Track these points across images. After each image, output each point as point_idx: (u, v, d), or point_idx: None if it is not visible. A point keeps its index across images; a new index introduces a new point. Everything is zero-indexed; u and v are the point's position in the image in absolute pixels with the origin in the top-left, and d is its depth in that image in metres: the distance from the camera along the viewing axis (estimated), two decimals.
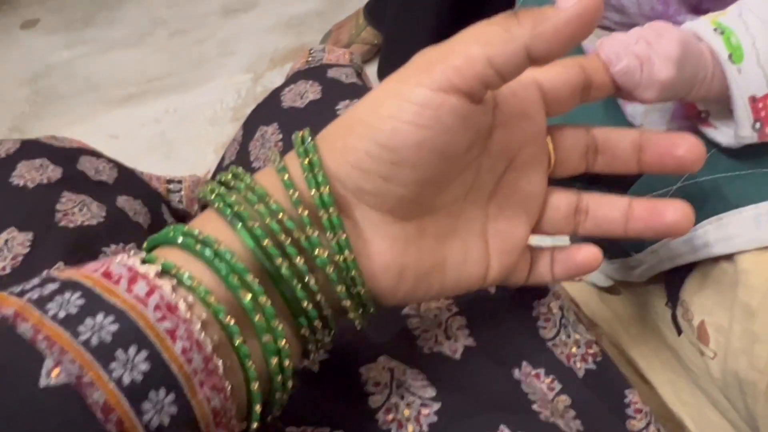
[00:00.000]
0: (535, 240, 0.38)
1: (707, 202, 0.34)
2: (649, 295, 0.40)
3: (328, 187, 0.24)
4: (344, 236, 0.25)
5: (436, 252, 0.27)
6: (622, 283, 0.42)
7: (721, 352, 0.34)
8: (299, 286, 0.24)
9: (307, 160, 0.25)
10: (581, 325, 0.35)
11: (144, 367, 0.20)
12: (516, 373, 0.32)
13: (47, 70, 1.31)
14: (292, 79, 0.48)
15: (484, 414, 0.29)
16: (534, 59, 0.24)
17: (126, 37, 1.35)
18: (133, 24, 1.38)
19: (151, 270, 0.22)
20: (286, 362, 0.23)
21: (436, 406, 0.29)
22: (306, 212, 0.24)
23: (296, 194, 0.24)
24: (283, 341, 0.23)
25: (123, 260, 0.22)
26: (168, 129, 1.16)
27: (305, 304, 0.24)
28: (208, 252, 0.23)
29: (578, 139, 0.30)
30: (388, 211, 0.26)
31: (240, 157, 0.46)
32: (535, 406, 0.30)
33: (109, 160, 0.49)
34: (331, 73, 0.48)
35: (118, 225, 0.39)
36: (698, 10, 0.36)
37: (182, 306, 0.21)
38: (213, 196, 0.25)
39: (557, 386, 0.32)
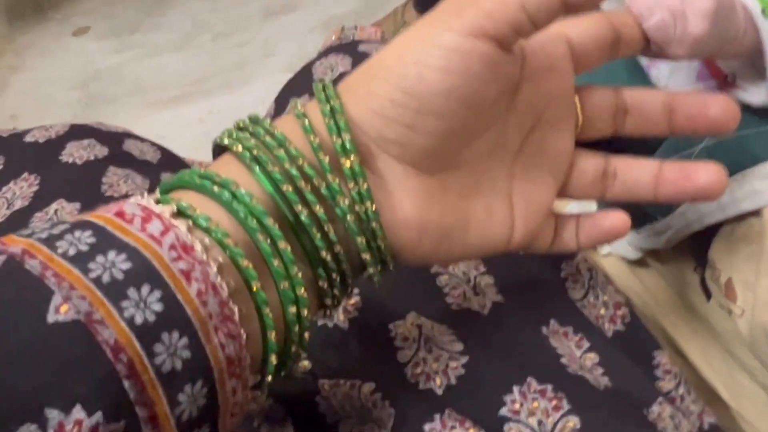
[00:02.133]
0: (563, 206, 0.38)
1: (733, 159, 0.34)
2: (678, 263, 0.39)
3: (349, 133, 0.24)
4: (366, 186, 0.24)
5: (459, 209, 0.26)
6: (650, 254, 0.42)
7: (748, 308, 0.34)
8: (319, 234, 0.23)
9: (328, 106, 0.24)
10: (611, 286, 0.35)
11: (157, 307, 0.19)
12: (544, 329, 0.32)
13: (97, 75, 1.36)
14: (324, 53, 0.49)
15: (512, 366, 0.30)
16: (569, 5, 0.23)
17: (171, 42, 1.39)
18: (178, 29, 1.42)
19: (167, 210, 0.21)
20: (304, 312, 0.23)
21: (464, 359, 0.30)
22: (327, 158, 0.23)
23: (317, 140, 0.23)
24: (302, 289, 0.22)
25: (137, 200, 0.22)
26: (212, 129, 1.19)
27: (324, 253, 0.23)
28: (226, 194, 0.22)
29: (607, 100, 0.29)
30: (410, 163, 0.25)
31: None
32: (563, 360, 0.31)
33: (153, 144, 0.51)
34: (362, 47, 0.49)
35: None
36: None
37: (198, 247, 0.20)
38: (230, 140, 0.24)
39: (585, 344, 0.32)
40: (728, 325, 0.37)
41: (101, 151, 0.43)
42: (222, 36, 1.38)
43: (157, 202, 0.22)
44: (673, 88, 0.38)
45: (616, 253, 0.46)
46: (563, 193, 0.30)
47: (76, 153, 0.42)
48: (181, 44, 1.38)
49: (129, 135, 0.50)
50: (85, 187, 0.39)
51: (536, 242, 0.29)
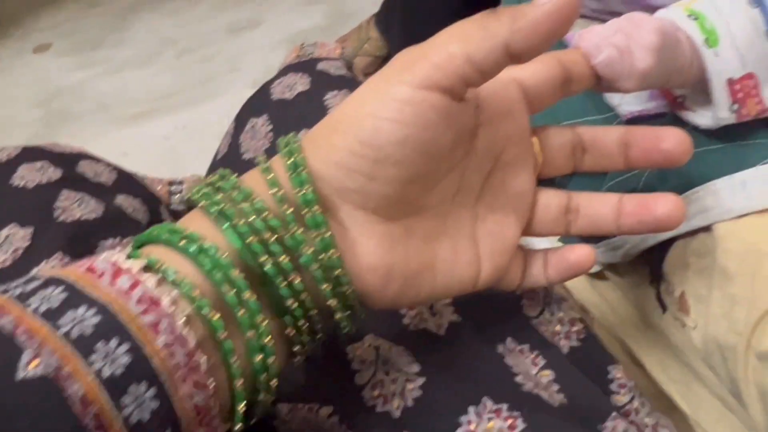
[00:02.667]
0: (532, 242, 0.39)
1: (684, 176, 0.34)
2: (634, 276, 0.40)
3: (311, 185, 0.25)
4: (328, 234, 0.24)
5: (425, 253, 0.27)
6: (609, 267, 0.42)
7: (701, 321, 0.34)
8: (283, 284, 0.24)
9: (291, 159, 0.25)
10: (565, 302, 0.35)
11: (125, 359, 0.19)
12: (500, 348, 0.32)
13: (59, 92, 1.34)
14: (283, 72, 0.49)
15: (468, 387, 0.30)
16: (514, 56, 0.24)
17: (135, 58, 1.38)
18: (142, 44, 1.41)
19: (136, 265, 0.22)
20: (271, 360, 0.23)
21: (421, 380, 0.30)
22: (290, 210, 0.24)
23: (281, 192, 0.24)
24: (268, 338, 0.23)
25: (108, 256, 0.22)
26: (177, 145, 1.18)
27: (290, 302, 0.24)
28: (193, 248, 0.23)
29: (564, 138, 0.31)
30: (373, 211, 0.26)
31: (231, 150, 0.47)
32: (518, 378, 0.31)
33: (109, 164, 0.50)
34: (321, 66, 0.50)
35: (116, 220, 0.40)
36: None
37: (166, 300, 0.21)
38: (199, 195, 0.25)
39: (541, 361, 0.32)
40: (683, 337, 0.38)
41: (54, 173, 0.42)
42: (187, 51, 1.37)
43: (128, 257, 0.22)
44: (627, 107, 0.39)
45: None
46: (529, 230, 0.31)
47: (28, 176, 0.41)
48: (145, 60, 1.37)
49: (84, 156, 0.49)
50: (38, 212, 0.38)
51: (505, 280, 0.30)
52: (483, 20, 0.24)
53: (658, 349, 0.41)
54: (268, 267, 0.23)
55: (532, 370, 0.32)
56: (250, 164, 0.44)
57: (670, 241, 0.37)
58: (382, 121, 0.24)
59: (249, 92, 1.37)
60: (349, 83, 0.47)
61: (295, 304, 0.24)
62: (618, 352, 0.44)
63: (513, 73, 0.29)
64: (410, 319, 0.33)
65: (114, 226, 0.40)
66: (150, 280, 0.21)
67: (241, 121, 0.51)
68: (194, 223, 0.24)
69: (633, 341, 0.42)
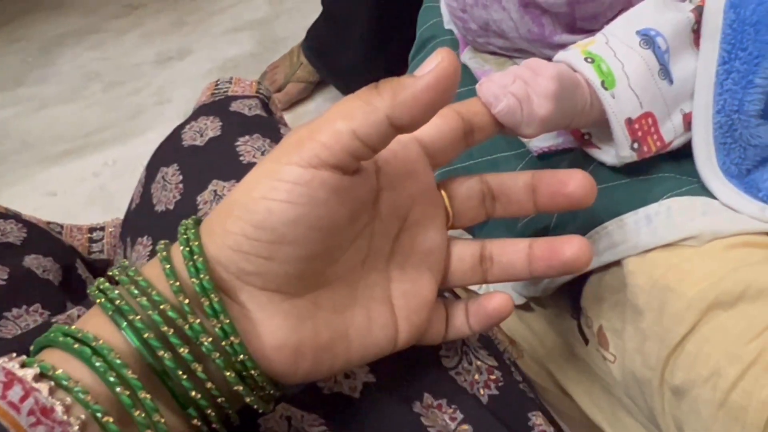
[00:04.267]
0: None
1: (594, 212, 0.35)
2: (557, 309, 0.40)
3: (206, 274, 0.24)
4: (227, 321, 0.24)
5: (336, 324, 0.27)
6: (533, 299, 0.42)
7: (619, 355, 0.34)
8: (185, 376, 0.24)
9: (187, 248, 0.25)
10: (483, 350, 0.35)
11: None
12: (417, 406, 0.32)
13: None
14: (194, 115, 0.48)
15: None
16: (398, 128, 0.25)
17: (60, 94, 1.34)
18: (67, 80, 1.37)
19: (29, 373, 0.22)
20: None
21: None
22: (187, 300, 0.24)
23: (176, 283, 0.24)
24: None
25: (2, 363, 0.22)
26: (108, 182, 1.15)
27: (194, 393, 0.24)
28: (86, 350, 0.23)
29: (472, 189, 0.31)
30: (275, 290, 0.26)
31: (144, 201, 0.46)
32: None
33: (20, 220, 0.48)
34: (234, 106, 0.48)
35: (23, 285, 0.39)
36: (574, 29, 0.37)
37: (59, 408, 0.21)
38: (96, 293, 0.25)
39: (459, 416, 0.32)
40: (605, 368, 0.38)
41: None
42: (114, 85, 1.34)
43: (23, 364, 0.22)
44: (537, 143, 0.39)
45: None
46: (445, 283, 0.31)
47: None
48: (71, 96, 1.33)
49: None
50: None
51: (428, 335, 0.30)
52: (366, 95, 0.25)
53: (584, 379, 0.41)
54: (167, 361, 0.23)
55: (450, 426, 0.32)
56: (162, 217, 0.42)
57: (587, 276, 0.37)
58: (273, 203, 0.24)
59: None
60: (263, 125, 0.46)
61: (199, 395, 0.24)
62: (547, 383, 0.44)
63: (413, 132, 0.28)
64: (324, 382, 0.32)
65: (19, 293, 0.38)
66: (43, 388, 0.21)
67: (151, 170, 0.49)
68: (91, 322, 0.24)
69: (560, 372, 0.43)
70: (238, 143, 0.44)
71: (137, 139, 1.21)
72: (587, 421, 0.42)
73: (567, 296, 0.40)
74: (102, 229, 0.61)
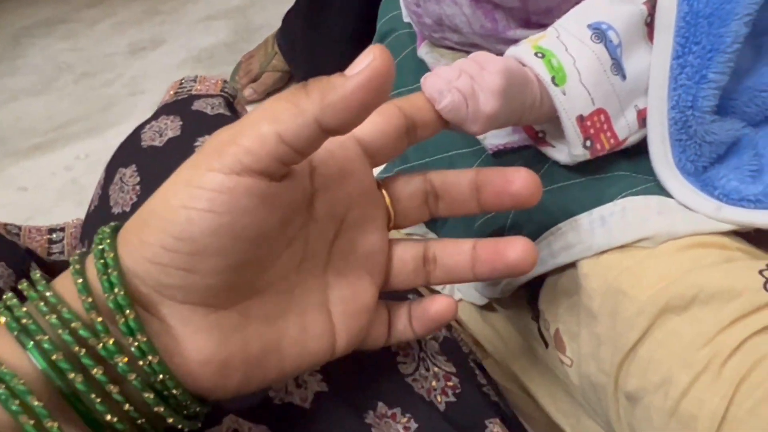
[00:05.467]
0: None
1: (548, 212, 0.34)
2: (518, 311, 0.40)
3: (122, 288, 0.23)
4: (144, 340, 0.23)
5: (267, 335, 0.26)
6: (495, 300, 0.42)
7: (575, 359, 0.34)
8: (99, 399, 0.22)
9: (102, 260, 0.23)
10: (441, 356, 0.34)
11: None
12: (369, 416, 0.31)
13: None
14: (156, 114, 0.47)
15: None
16: (328, 131, 0.23)
17: (31, 86, 1.31)
18: (37, 71, 1.34)
19: None
20: None
21: None
22: (100, 318, 0.22)
23: (89, 299, 0.23)
24: None
25: None
26: (80, 175, 1.13)
27: (109, 417, 0.22)
28: None
29: (415, 188, 0.30)
30: (199, 303, 0.24)
31: (102, 202, 0.45)
32: None
33: None
34: (197, 105, 0.47)
35: None
36: (528, 23, 0.36)
37: None
38: (2, 309, 0.23)
39: (413, 425, 0.31)
40: (564, 372, 0.38)
41: None
42: (85, 76, 1.31)
43: None
44: (492, 140, 0.38)
45: (466, 299, 0.45)
46: (387, 286, 0.30)
47: None
48: (42, 88, 1.30)
49: None
50: None
51: (369, 340, 0.29)
52: (293, 96, 0.23)
53: (547, 382, 0.40)
54: (79, 384, 0.22)
55: None
56: (119, 219, 0.41)
57: (544, 277, 0.36)
58: (193, 212, 0.23)
59: None
60: (225, 124, 0.45)
61: (115, 419, 0.22)
62: (511, 384, 0.44)
63: None
64: (275, 392, 0.31)
65: None
66: None
67: (110, 171, 0.48)
68: None
69: (523, 374, 0.42)
70: (197, 143, 0.42)
71: (110, 131, 1.19)
72: (551, 422, 0.41)
73: (526, 298, 0.39)
74: (62, 230, 0.60)
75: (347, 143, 0.27)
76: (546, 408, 0.41)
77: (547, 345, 0.38)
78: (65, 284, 0.24)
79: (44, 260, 0.55)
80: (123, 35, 1.40)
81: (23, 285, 0.24)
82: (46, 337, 0.22)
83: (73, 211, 1.07)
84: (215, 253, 0.23)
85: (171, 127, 0.46)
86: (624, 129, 0.32)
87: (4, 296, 0.24)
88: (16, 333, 0.22)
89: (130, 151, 0.47)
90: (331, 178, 0.27)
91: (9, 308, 0.23)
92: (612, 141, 0.32)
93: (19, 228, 0.57)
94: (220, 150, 0.23)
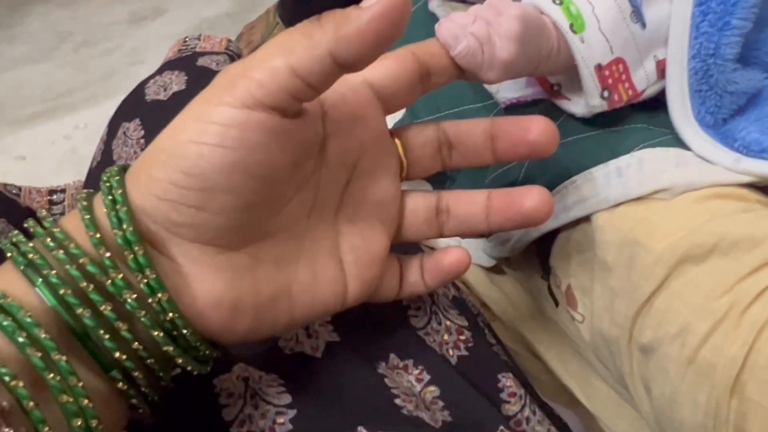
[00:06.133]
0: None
1: (561, 165, 0.33)
2: (527, 270, 0.39)
3: (131, 224, 0.22)
4: (154, 276, 0.22)
5: (277, 279, 0.25)
6: (504, 261, 0.41)
7: (587, 314, 0.33)
8: (108, 336, 0.22)
9: (110, 196, 0.23)
10: (453, 310, 0.34)
11: None
12: (381, 366, 0.30)
13: None
14: (159, 70, 0.46)
15: (342, 416, 0.28)
16: (343, 65, 0.22)
17: (29, 54, 1.30)
18: (36, 39, 1.33)
19: None
20: (93, 423, 0.21)
21: (292, 413, 0.28)
22: (108, 254, 0.22)
23: (97, 235, 0.22)
24: (85, 400, 0.21)
25: None
26: (79, 145, 1.12)
27: (117, 354, 0.22)
28: None
29: (428, 137, 0.29)
30: (209, 243, 0.23)
31: (105, 157, 0.44)
32: (398, 401, 0.29)
33: None
34: (201, 61, 0.46)
35: None
36: None
37: None
38: (7, 245, 0.22)
39: (426, 377, 0.31)
40: (574, 329, 0.37)
41: None
42: (85, 45, 1.30)
43: None
44: (504, 94, 0.37)
45: (474, 262, 0.45)
46: (399, 237, 0.30)
47: None
48: (41, 56, 1.29)
49: None
50: None
51: (380, 292, 0.29)
52: (307, 29, 0.22)
53: (556, 343, 0.40)
54: (87, 320, 0.21)
55: (416, 387, 0.31)
56: None
57: (556, 233, 0.36)
58: (203, 147, 0.22)
59: None
60: None
61: (124, 356, 0.22)
62: (519, 347, 0.43)
63: (364, 73, 0.27)
64: (285, 341, 0.31)
65: None
66: None
67: (113, 125, 0.48)
68: (2, 278, 0.22)
69: (532, 336, 0.42)
70: None
71: (110, 101, 1.16)
72: (559, 385, 0.41)
73: (536, 256, 0.39)
74: (63, 191, 0.59)
75: (360, 88, 0.27)
76: (555, 370, 0.41)
77: (557, 304, 0.38)
78: (72, 221, 0.23)
79: (42, 222, 0.55)
80: (124, 4, 1.37)
81: (29, 222, 0.23)
82: (54, 272, 0.21)
83: (72, 180, 1.07)
84: (226, 191, 0.23)
85: (176, 82, 0.45)
86: (642, 80, 0.32)
87: (10, 233, 0.23)
88: (22, 267, 0.22)
89: (133, 106, 0.46)
90: (343, 123, 0.26)
91: (15, 244, 0.22)
92: (630, 92, 0.32)
93: (19, 188, 0.57)
94: (232, 83, 0.22)
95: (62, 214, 0.58)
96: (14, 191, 0.55)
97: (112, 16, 1.35)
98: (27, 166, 1.08)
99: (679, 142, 0.32)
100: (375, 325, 0.32)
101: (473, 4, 0.39)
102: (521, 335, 0.43)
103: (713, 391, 0.25)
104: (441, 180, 0.43)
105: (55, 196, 0.59)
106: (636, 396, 0.31)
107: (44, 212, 0.24)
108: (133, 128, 0.43)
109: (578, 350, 0.39)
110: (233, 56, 0.53)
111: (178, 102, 0.43)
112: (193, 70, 0.46)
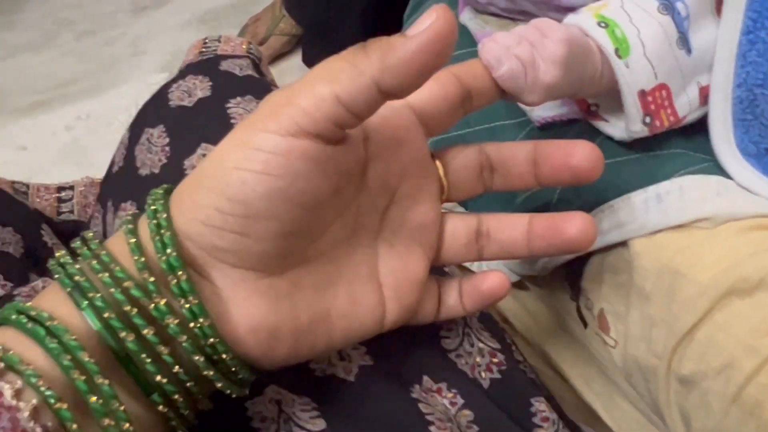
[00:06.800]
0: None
1: (599, 189, 0.33)
2: (555, 289, 0.39)
3: (174, 250, 0.22)
4: (196, 302, 0.22)
5: (317, 304, 0.25)
6: (528, 278, 0.41)
7: (621, 340, 0.33)
8: (149, 359, 0.22)
9: (155, 220, 0.23)
10: (486, 332, 0.34)
11: None
12: (416, 390, 0.30)
13: None
14: (182, 73, 0.45)
15: None
16: (387, 93, 0.22)
17: (30, 42, 1.28)
18: (37, 27, 1.31)
19: None
20: None
21: None
22: (152, 278, 0.22)
23: (142, 259, 0.22)
24: (126, 424, 0.21)
25: None
26: (81, 136, 1.11)
27: (158, 378, 0.22)
28: (40, 330, 0.21)
29: (470, 160, 0.29)
30: (250, 268, 0.24)
31: (127, 164, 0.43)
32: (432, 428, 0.29)
33: None
34: (225, 65, 0.46)
35: None
36: None
37: (7, 392, 0.19)
38: (54, 266, 0.23)
39: (460, 401, 0.30)
40: (604, 353, 0.37)
41: None
42: (86, 34, 1.28)
43: None
44: (540, 113, 0.37)
45: None
46: (438, 260, 0.29)
47: None
48: (41, 44, 1.27)
49: None
50: None
51: (419, 315, 0.29)
52: (351, 57, 0.22)
53: (580, 361, 0.40)
54: (129, 343, 0.22)
55: (450, 411, 0.30)
56: (147, 181, 0.40)
57: (588, 255, 0.35)
58: (247, 174, 0.22)
59: (157, 77, 1.29)
60: (255, 86, 0.44)
61: (165, 380, 0.22)
62: (540, 364, 0.43)
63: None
64: (316, 363, 0.30)
65: None
66: None
67: (135, 130, 0.47)
68: (48, 299, 0.22)
69: (555, 353, 0.41)
70: (229, 105, 0.41)
71: (112, 92, 1.16)
72: (581, 403, 0.41)
73: (565, 276, 0.39)
74: (71, 188, 0.59)
75: (402, 111, 0.27)
76: (578, 388, 0.40)
77: (585, 325, 0.37)
78: (117, 244, 0.23)
79: (54, 221, 0.54)
80: None
81: (76, 243, 0.24)
82: (99, 295, 0.22)
83: (73, 171, 1.05)
84: (269, 217, 0.23)
85: (200, 87, 0.45)
86: (685, 106, 0.31)
87: (57, 254, 0.23)
88: (69, 290, 0.22)
89: (157, 111, 0.45)
90: (385, 147, 0.26)
91: (62, 265, 0.23)
92: (672, 118, 0.32)
93: (27, 186, 0.56)
94: (276, 111, 0.22)
95: (71, 212, 0.57)
96: (22, 189, 0.55)
97: (114, 5, 1.34)
98: (28, 157, 1.07)
99: (719, 169, 0.31)
100: (407, 347, 0.32)
101: (507, 18, 0.39)
102: (543, 352, 0.43)
103: (759, 430, 0.25)
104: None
105: (63, 194, 0.58)
106: (671, 424, 0.31)
107: (90, 234, 0.24)
108: (157, 135, 0.42)
109: (603, 370, 0.38)
110: (255, 60, 0.52)
111: (203, 108, 0.42)
112: (216, 74, 0.46)
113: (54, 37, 1.29)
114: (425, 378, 0.31)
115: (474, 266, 0.44)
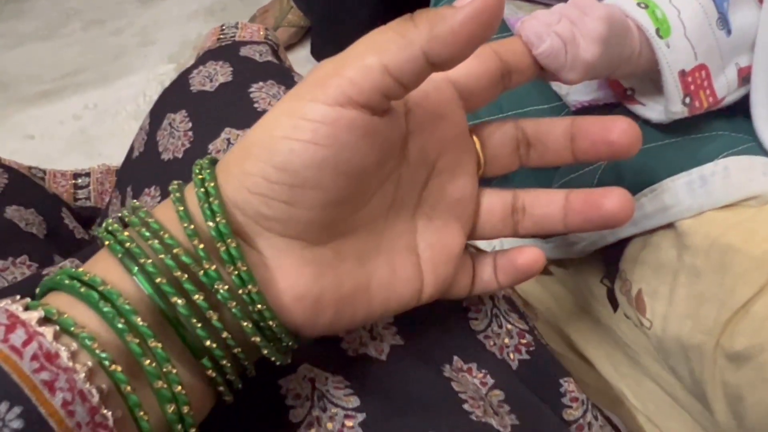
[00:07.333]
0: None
1: (640, 173, 0.33)
2: (584, 273, 0.39)
3: (224, 217, 0.23)
4: (245, 268, 0.23)
5: (358, 274, 0.25)
6: (554, 262, 0.41)
7: (658, 321, 0.33)
8: (200, 324, 0.22)
9: (202, 189, 0.23)
10: (514, 313, 0.33)
11: (17, 424, 0.18)
12: (447, 369, 0.30)
13: None
14: (201, 59, 0.45)
15: (411, 420, 0.27)
16: (435, 64, 0.23)
17: (37, 30, 1.27)
18: (44, 16, 1.30)
19: (33, 316, 0.20)
20: (185, 409, 0.22)
21: (361, 416, 0.27)
22: (202, 245, 0.22)
23: (191, 226, 0.23)
24: (179, 387, 0.22)
25: (5, 306, 0.21)
26: (89, 126, 1.10)
27: (208, 343, 0.22)
28: (93, 295, 0.21)
29: (507, 135, 0.29)
30: (296, 237, 0.24)
31: (149, 150, 0.43)
32: (466, 406, 0.28)
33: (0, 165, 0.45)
34: (244, 51, 0.46)
35: (7, 237, 0.36)
36: None
37: (64, 354, 0.20)
38: (104, 234, 0.23)
39: (490, 381, 0.30)
40: (635, 336, 0.37)
41: None
42: (94, 23, 1.28)
43: (27, 307, 0.21)
44: (576, 97, 0.37)
45: None
46: (474, 234, 0.29)
47: None
48: (49, 33, 1.27)
49: None
50: None
51: (454, 289, 0.29)
52: (400, 27, 0.22)
53: (605, 344, 0.40)
54: (180, 308, 0.22)
55: (481, 391, 0.30)
56: (170, 166, 0.40)
57: (628, 238, 0.35)
58: (295, 143, 0.22)
59: (164, 68, 1.28)
60: (276, 71, 0.44)
61: (214, 345, 0.23)
62: (562, 347, 0.43)
63: (446, 71, 0.26)
64: (348, 343, 0.30)
65: (5, 244, 0.36)
66: (48, 333, 0.20)
67: (156, 116, 0.46)
68: (99, 265, 0.23)
69: (579, 336, 0.41)
70: (251, 89, 0.41)
71: (119, 81, 1.16)
72: (604, 387, 0.41)
73: (601, 259, 0.38)
74: (87, 174, 0.58)
75: (442, 85, 0.27)
76: (603, 371, 0.40)
77: (615, 308, 0.37)
78: (165, 212, 0.24)
79: (72, 206, 0.54)
80: None
81: (124, 212, 0.24)
82: (150, 261, 0.22)
83: (81, 161, 1.05)
84: (316, 187, 0.23)
85: (221, 72, 0.44)
86: (723, 87, 0.31)
87: (105, 222, 0.23)
88: (120, 256, 0.22)
89: (178, 96, 0.45)
90: (425, 121, 0.26)
91: (111, 232, 0.23)
92: (710, 99, 0.31)
93: (44, 172, 0.56)
94: (324, 81, 0.23)
95: (87, 199, 0.56)
96: (39, 175, 0.54)
97: None
98: (36, 146, 1.06)
99: (761, 150, 0.31)
100: (436, 328, 0.31)
101: (540, 3, 0.39)
102: (566, 336, 0.42)
103: None
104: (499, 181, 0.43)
105: (79, 180, 0.58)
106: (714, 403, 0.30)
107: (138, 203, 0.24)
108: (179, 119, 0.42)
109: (630, 353, 0.38)
110: (273, 46, 0.51)
111: (225, 93, 0.42)
112: (237, 60, 0.45)
113: (62, 27, 1.28)
114: (455, 358, 0.31)
115: (495, 243, 0.44)
